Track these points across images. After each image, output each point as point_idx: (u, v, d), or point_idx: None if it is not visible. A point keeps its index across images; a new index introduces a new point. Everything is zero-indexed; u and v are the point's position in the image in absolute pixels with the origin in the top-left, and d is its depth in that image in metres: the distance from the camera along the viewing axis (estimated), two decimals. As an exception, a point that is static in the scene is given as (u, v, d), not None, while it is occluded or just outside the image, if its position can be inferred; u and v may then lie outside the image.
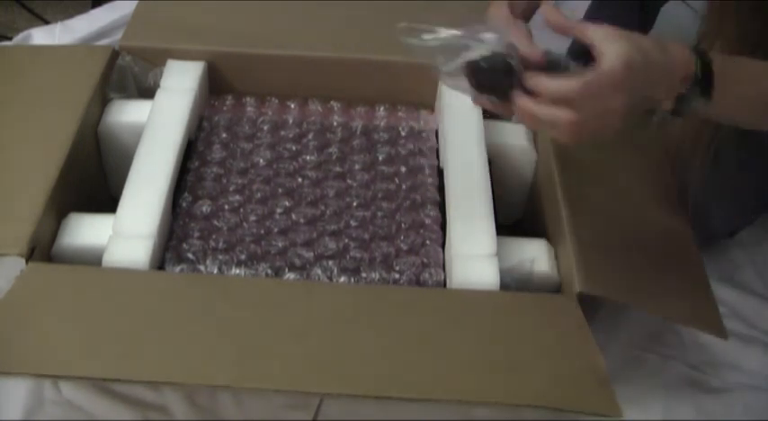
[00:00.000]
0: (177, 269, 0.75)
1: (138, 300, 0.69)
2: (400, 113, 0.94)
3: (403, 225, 0.81)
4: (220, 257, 0.76)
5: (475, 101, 0.67)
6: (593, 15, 1.13)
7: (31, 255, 0.70)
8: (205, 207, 0.81)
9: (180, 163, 0.83)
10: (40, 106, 0.84)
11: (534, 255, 0.78)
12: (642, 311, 0.73)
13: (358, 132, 0.92)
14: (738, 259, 1.01)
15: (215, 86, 0.96)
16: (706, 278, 0.78)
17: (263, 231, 0.79)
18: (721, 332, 0.74)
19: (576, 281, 0.71)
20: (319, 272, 0.76)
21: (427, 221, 0.81)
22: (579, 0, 1.19)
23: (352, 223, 0.81)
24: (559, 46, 1.15)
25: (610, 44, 0.58)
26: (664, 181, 0.88)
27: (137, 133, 0.84)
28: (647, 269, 0.77)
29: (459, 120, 0.88)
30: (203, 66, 0.93)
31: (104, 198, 0.91)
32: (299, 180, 0.85)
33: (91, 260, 0.73)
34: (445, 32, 0.65)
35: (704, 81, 0.61)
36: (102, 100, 0.89)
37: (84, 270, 0.72)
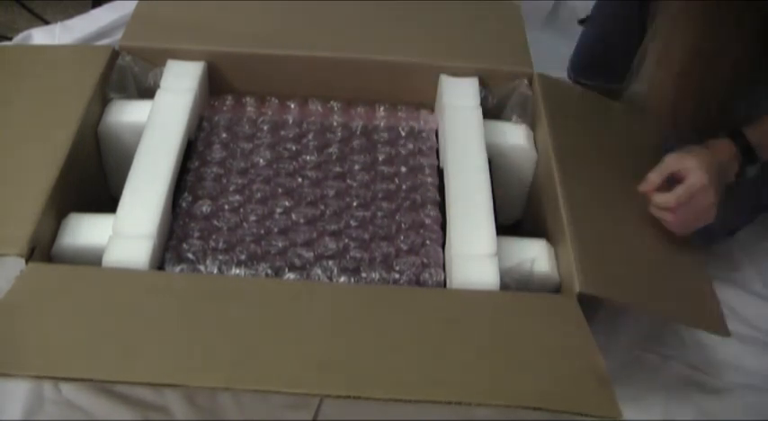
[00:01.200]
0: (177, 269, 0.75)
1: (138, 300, 0.68)
2: (400, 113, 0.94)
3: (403, 225, 0.81)
4: (220, 257, 0.76)
5: None
6: (596, 14, 1.13)
7: (31, 256, 0.70)
8: (205, 207, 0.81)
9: (180, 163, 0.83)
10: (40, 106, 0.84)
11: (534, 255, 0.78)
12: (642, 311, 0.73)
13: (358, 132, 0.92)
14: (738, 259, 1.01)
15: (215, 86, 0.96)
16: (707, 276, 0.78)
17: (263, 231, 0.79)
18: (723, 330, 0.74)
19: (576, 281, 0.71)
20: (319, 272, 0.76)
21: (427, 221, 0.81)
22: (579, 0, 1.20)
23: (352, 223, 0.81)
24: (564, 53, 1.16)
25: (687, 163, 0.78)
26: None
27: (137, 133, 0.84)
28: (647, 269, 0.78)
29: (459, 120, 0.88)
30: (203, 66, 0.93)
31: (104, 198, 0.91)
32: (299, 180, 0.85)
33: (91, 260, 0.73)
34: None
35: (748, 158, 0.80)
36: (102, 100, 0.89)
37: (84, 270, 0.72)
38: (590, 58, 1.14)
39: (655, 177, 0.80)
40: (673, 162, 0.79)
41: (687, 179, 0.77)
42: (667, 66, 0.83)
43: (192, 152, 0.87)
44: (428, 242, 0.79)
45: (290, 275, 0.75)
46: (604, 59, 1.12)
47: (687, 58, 0.81)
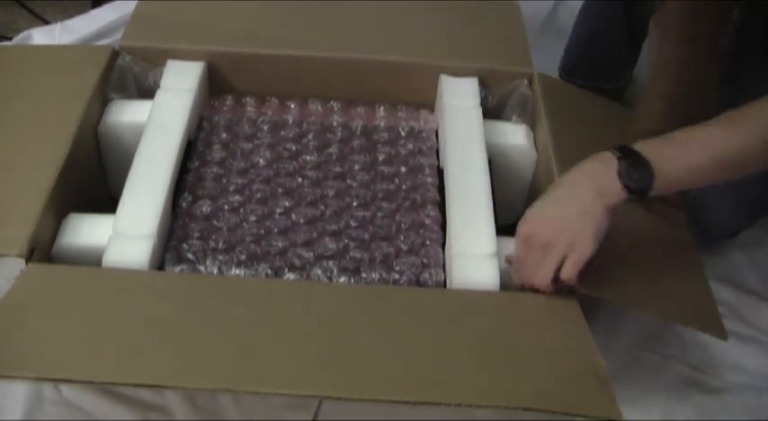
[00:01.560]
0: (177, 269, 0.75)
1: (138, 301, 0.68)
2: (400, 113, 0.94)
3: (403, 225, 0.81)
4: (220, 257, 0.76)
5: None
6: (582, 14, 1.14)
7: (30, 256, 0.70)
8: (205, 207, 0.81)
9: (180, 163, 0.83)
10: (40, 106, 0.84)
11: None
12: (642, 312, 0.73)
13: (358, 132, 0.92)
14: (738, 259, 1.01)
15: (215, 86, 0.96)
16: (705, 279, 0.78)
17: (263, 231, 0.79)
18: (721, 333, 0.74)
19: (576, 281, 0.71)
20: (319, 272, 0.76)
21: (427, 221, 0.81)
22: (579, 0, 1.19)
23: (352, 223, 0.81)
24: (553, 59, 1.16)
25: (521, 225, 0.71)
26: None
27: (137, 133, 0.84)
28: (646, 270, 0.77)
29: (459, 120, 0.88)
30: (203, 66, 0.93)
31: (104, 198, 0.91)
32: (299, 180, 0.85)
33: (91, 260, 0.73)
34: None
35: (638, 166, 0.68)
36: (102, 100, 0.89)
37: (84, 270, 0.72)
38: (576, 58, 1.14)
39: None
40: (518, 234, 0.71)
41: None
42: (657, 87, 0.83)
43: (192, 152, 0.87)
44: (428, 242, 0.79)
45: (290, 275, 0.75)
46: (590, 59, 1.13)
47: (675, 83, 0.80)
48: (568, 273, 0.67)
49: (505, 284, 0.74)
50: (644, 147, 0.69)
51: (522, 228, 0.70)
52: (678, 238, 0.81)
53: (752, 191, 0.91)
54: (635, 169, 0.68)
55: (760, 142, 0.67)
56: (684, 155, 0.68)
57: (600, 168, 0.69)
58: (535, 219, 0.70)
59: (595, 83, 1.10)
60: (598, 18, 1.10)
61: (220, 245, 0.77)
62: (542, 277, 0.69)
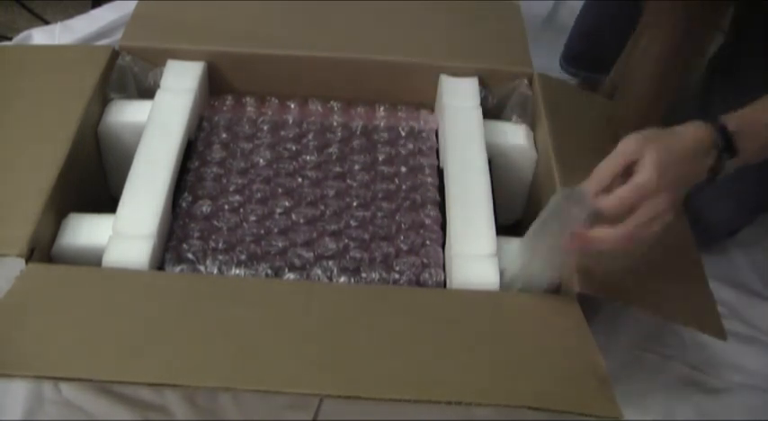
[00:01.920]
0: (177, 269, 0.75)
1: (138, 301, 0.68)
2: (400, 113, 0.94)
3: (403, 225, 0.81)
4: (220, 257, 0.76)
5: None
6: (583, 13, 1.14)
7: (30, 256, 0.70)
8: (205, 207, 0.81)
9: (180, 163, 0.83)
10: (40, 106, 0.84)
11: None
12: (642, 312, 0.73)
13: (358, 132, 0.92)
14: (738, 259, 1.01)
15: (215, 86, 0.96)
16: (705, 279, 0.78)
17: (263, 231, 0.79)
18: (720, 333, 0.74)
19: (576, 281, 0.71)
20: (319, 272, 0.76)
21: (427, 221, 0.81)
22: (579, 0, 1.20)
23: (352, 223, 0.81)
24: (553, 59, 1.16)
25: (645, 152, 0.63)
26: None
27: (137, 133, 0.84)
28: (646, 269, 0.77)
29: (460, 120, 0.88)
30: (203, 66, 0.93)
31: (104, 198, 0.91)
32: (299, 180, 0.85)
33: (91, 260, 0.73)
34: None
35: (726, 145, 0.65)
36: (102, 100, 0.89)
37: (84, 270, 0.72)
38: (577, 52, 1.14)
39: (605, 172, 0.65)
40: (629, 149, 0.64)
41: (635, 177, 0.63)
42: (644, 64, 0.82)
43: (192, 152, 0.87)
44: (428, 242, 0.79)
45: (290, 275, 0.75)
46: (590, 53, 1.13)
47: (661, 59, 0.79)
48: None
49: (505, 284, 0.74)
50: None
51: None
52: (678, 238, 0.81)
53: (751, 185, 0.91)
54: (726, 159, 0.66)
55: None
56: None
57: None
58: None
59: (595, 74, 1.10)
60: (599, 15, 1.10)
61: (220, 245, 0.77)
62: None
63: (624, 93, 0.89)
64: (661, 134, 0.65)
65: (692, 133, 0.66)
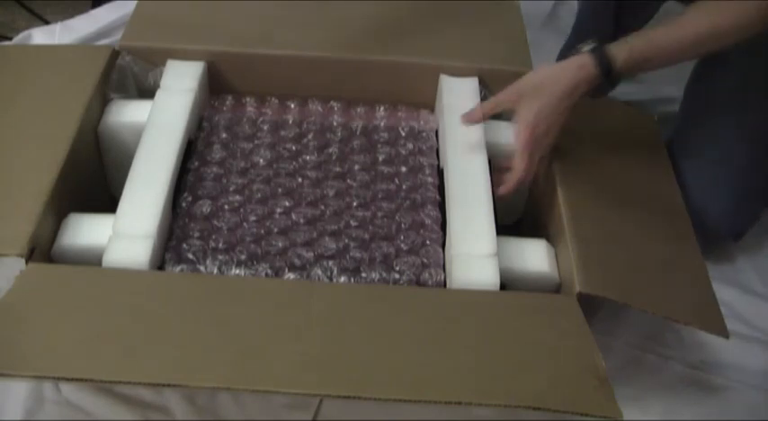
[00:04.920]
0: (177, 269, 0.75)
1: (138, 300, 0.68)
2: (400, 113, 0.94)
3: (403, 225, 0.81)
4: (220, 257, 0.76)
5: None
6: (582, 13, 1.14)
7: (30, 256, 0.70)
8: (205, 207, 0.81)
9: (180, 163, 0.83)
10: (40, 106, 0.84)
11: (534, 254, 0.78)
12: (642, 311, 0.73)
13: (358, 132, 0.92)
14: (739, 260, 1.01)
15: (215, 86, 0.96)
16: (707, 277, 0.78)
17: (263, 231, 0.79)
18: (722, 331, 0.74)
19: (576, 281, 0.71)
20: (319, 272, 0.76)
21: (427, 221, 0.81)
22: (579, 0, 1.20)
23: (352, 223, 0.81)
24: (553, 59, 1.16)
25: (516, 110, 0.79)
26: (664, 181, 0.87)
27: (137, 133, 0.84)
28: (647, 269, 0.77)
29: (459, 120, 0.88)
30: (203, 66, 0.93)
31: (104, 198, 0.91)
32: (299, 180, 0.85)
33: (91, 260, 0.73)
34: None
35: (608, 78, 0.76)
36: (102, 100, 0.89)
37: (84, 270, 0.72)
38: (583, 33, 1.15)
39: (477, 114, 0.84)
40: (501, 100, 0.81)
41: (515, 140, 0.79)
42: None
43: (191, 152, 0.87)
44: (428, 242, 0.79)
45: (290, 275, 0.75)
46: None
47: None
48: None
49: (505, 284, 0.74)
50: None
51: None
52: (679, 237, 0.81)
53: (750, 181, 0.91)
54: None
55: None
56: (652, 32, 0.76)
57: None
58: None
59: None
60: (598, 15, 1.10)
61: (220, 245, 0.77)
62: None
63: None
64: (538, 85, 0.78)
65: (572, 73, 0.77)
